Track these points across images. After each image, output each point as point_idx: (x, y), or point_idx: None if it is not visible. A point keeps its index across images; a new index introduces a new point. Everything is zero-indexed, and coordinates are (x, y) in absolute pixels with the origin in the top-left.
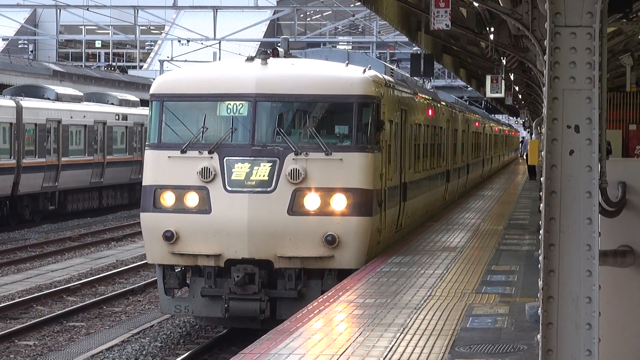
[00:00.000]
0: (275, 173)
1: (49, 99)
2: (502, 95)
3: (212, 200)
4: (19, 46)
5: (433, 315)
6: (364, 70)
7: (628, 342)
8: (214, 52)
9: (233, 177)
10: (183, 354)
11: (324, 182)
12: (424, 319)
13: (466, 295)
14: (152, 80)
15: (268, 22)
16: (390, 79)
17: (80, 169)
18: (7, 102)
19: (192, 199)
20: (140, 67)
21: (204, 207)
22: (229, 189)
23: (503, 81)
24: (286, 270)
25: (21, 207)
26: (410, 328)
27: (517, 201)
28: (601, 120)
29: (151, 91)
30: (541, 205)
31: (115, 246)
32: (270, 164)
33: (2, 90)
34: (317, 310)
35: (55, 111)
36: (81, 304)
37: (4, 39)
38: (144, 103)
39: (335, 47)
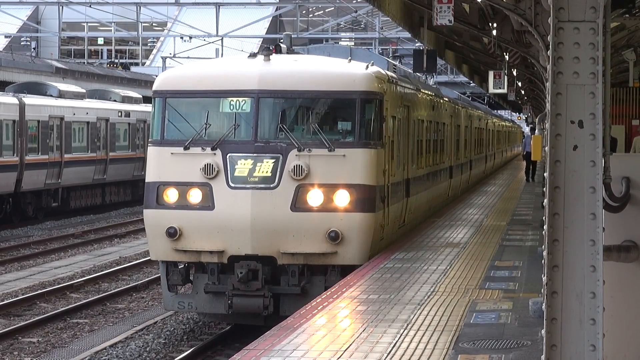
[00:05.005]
0: (279, 169)
1: (51, 96)
2: (504, 91)
3: (216, 197)
4: (22, 43)
5: (437, 311)
6: (367, 67)
7: (633, 337)
8: (217, 48)
9: (236, 174)
10: (187, 351)
11: (327, 178)
12: (427, 314)
13: (470, 291)
14: (154, 77)
15: (270, 18)
16: (393, 75)
17: (83, 165)
18: (10, 99)
19: (195, 196)
20: (143, 64)
21: (207, 203)
22: (232, 185)
23: (506, 77)
24: (289, 267)
25: (24, 204)
26: (414, 324)
27: (520, 197)
28: (605, 115)
29: (154, 88)
30: (545, 200)
31: (119, 243)
32: (273, 160)
33: (5, 87)
34: (321, 306)
35: (58, 108)
36: (84, 301)
37: (6, 36)
38: (146, 100)
39: (338, 43)
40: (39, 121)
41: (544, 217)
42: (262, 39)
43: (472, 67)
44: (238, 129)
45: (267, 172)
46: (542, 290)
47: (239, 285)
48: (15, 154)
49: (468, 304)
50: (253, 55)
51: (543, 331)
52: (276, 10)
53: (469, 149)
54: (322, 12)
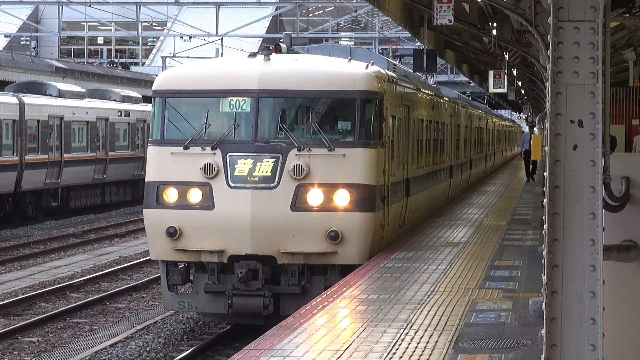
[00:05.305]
0: (278, 169)
1: (51, 95)
2: (504, 90)
3: (215, 197)
4: (22, 43)
5: (437, 310)
6: (367, 66)
7: (633, 337)
8: (217, 48)
9: (236, 173)
10: (187, 350)
11: (327, 177)
12: (427, 314)
13: (470, 291)
14: (154, 76)
15: (270, 18)
16: (393, 74)
17: (83, 165)
18: (9, 98)
19: (195, 195)
20: (143, 64)
21: (207, 203)
22: (232, 185)
23: (506, 76)
24: (289, 266)
25: (24, 203)
26: (413, 323)
27: (520, 197)
28: (605, 115)
29: (154, 87)
30: (545, 200)
31: (118, 242)
32: (273, 160)
33: (4, 87)
34: (321, 306)
35: (57, 108)
36: (84, 301)
37: (6, 36)
38: (146, 99)
39: (338, 42)
40: (38, 121)
41: (543, 217)
42: (262, 39)
43: (472, 66)
44: (238, 129)
45: (267, 171)
46: (542, 289)
47: (239, 285)
48: (15, 154)
49: (468, 303)
50: (253, 54)
51: (543, 331)
52: (276, 9)
53: (469, 149)
54: (322, 11)
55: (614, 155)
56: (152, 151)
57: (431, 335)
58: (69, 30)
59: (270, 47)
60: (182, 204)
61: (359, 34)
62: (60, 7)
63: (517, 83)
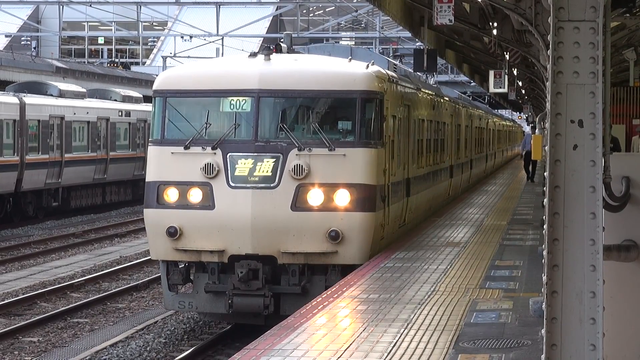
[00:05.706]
0: (279, 169)
1: (52, 95)
2: (505, 90)
3: (216, 196)
4: (22, 43)
5: (437, 310)
6: (367, 66)
7: (633, 337)
8: (217, 48)
9: (236, 173)
10: (187, 350)
11: (327, 177)
12: (427, 314)
13: (470, 291)
14: (155, 76)
15: (271, 18)
16: (394, 74)
17: (84, 165)
18: (10, 98)
19: (195, 195)
20: (143, 64)
21: (208, 203)
22: (233, 184)
23: (506, 76)
24: (290, 266)
25: (25, 203)
26: (414, 323)
27: (520, 196)
28: (605, 115)
29: (154, 87)
30: (545, 200)
31: (119, 242)
32: (274, 160)
33: (5, 87)
34: (321, 305)
35: (58, 107)
36: (85, 301)
37: (7, 36)
38: (147, 99)
39: (338, 42)
40: (39, 121)
41: (544, 217)
42: (262, 39)
43: (472, 66)
44: (238, 129)
45: (267, 171)
46: (542, 289)
47: (240, 284)
48: (15, 154)
49: (468, 303)
50: (253, 54)
51: (543, 330)
52: (277, 9)
53: (469, 149)
54: (322, 11)
55: (614, 155)
56: (152, 151)
57: (431, 335)
58: (70, 30)
59: (271, 47)
60: (183, 204)
61: (359, 34)
62: (61, 7)
63: (517, 83)
